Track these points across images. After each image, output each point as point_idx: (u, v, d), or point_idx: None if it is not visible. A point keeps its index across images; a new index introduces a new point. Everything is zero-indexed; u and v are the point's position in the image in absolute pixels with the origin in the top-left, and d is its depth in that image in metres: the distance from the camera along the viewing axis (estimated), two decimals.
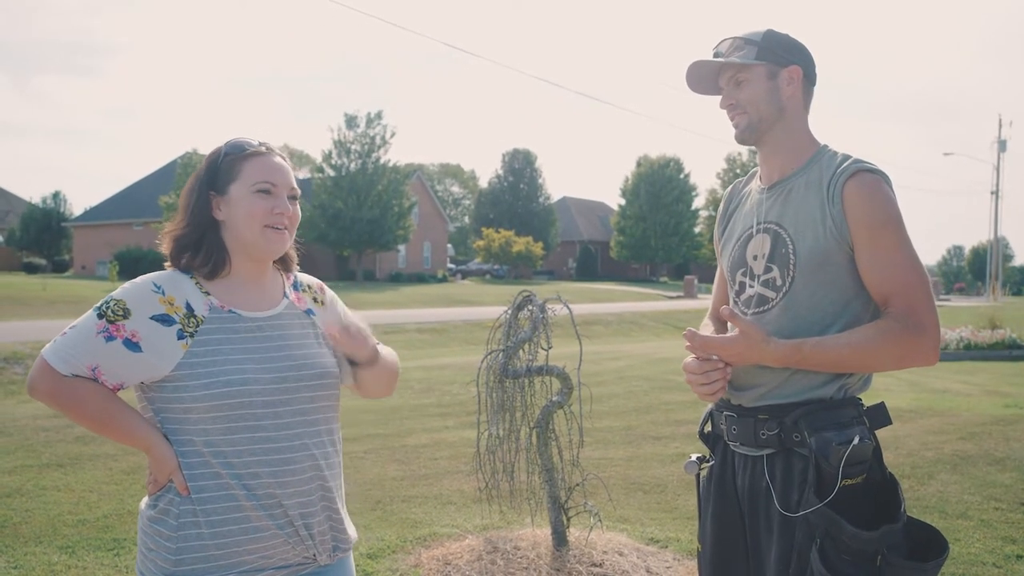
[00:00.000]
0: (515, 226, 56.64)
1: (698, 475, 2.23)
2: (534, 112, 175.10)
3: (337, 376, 1.96)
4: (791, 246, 2.00)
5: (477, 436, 4.22)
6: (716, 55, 2.12)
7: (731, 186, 2.35)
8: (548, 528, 4.21)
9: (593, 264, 62.52)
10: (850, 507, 1.84)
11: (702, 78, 2.15)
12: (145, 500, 1.87)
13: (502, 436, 4.16)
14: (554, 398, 4.11)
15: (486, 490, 4.23)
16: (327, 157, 44.31)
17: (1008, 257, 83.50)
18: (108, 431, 1.82)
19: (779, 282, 2.02)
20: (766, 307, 2.05)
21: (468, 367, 12.47)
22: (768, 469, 2.00)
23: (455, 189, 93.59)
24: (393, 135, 44.79)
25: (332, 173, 43.84)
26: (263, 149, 1.91)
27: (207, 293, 1.86)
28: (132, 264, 38.73)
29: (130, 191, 50.73)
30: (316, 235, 42.82)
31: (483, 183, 72.53)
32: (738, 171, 63.70)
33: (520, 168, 61.60)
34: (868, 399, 2.06)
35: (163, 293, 1.81)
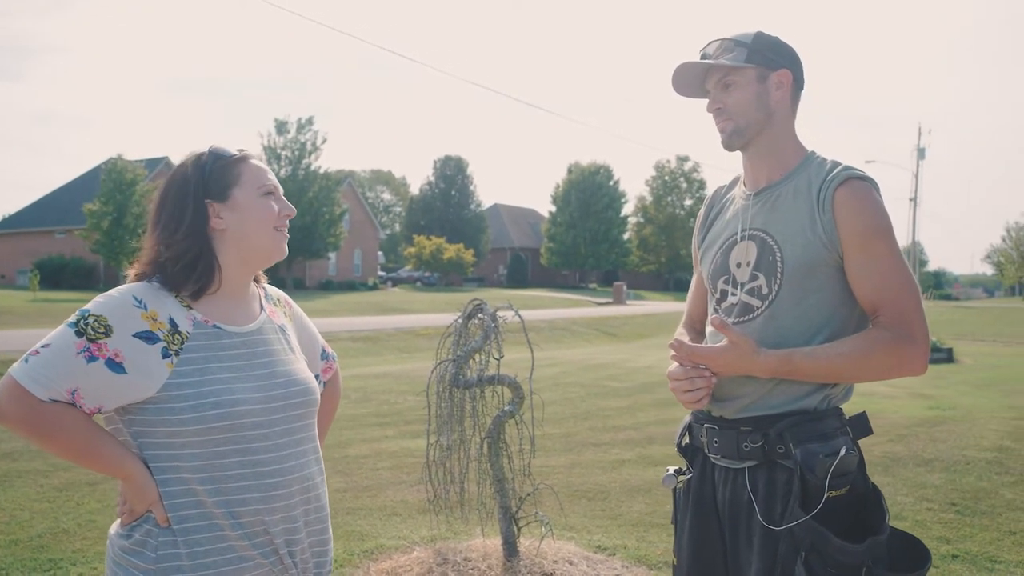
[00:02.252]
0: (446, 233, 56.48)
1: (675, 488, 2.17)
2: (466, 118, 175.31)
3: (318, 392, 1.89)
4: (778, 254, 1.97)
5: (426, 446, 4.18)
6: (703, 56, 2.07)
7: (713, 191, 2.30)
8: (499, 538, 4.20)
9: (524, 271, 62.70)
10: (835, 519, 1.83)
11: (688, 80, 2.09)
12: (115, 527, 1.74)
13: (452, 446, 4.13)
14: (506, 408, 4.09)
15: (435, 501, 4.20)
16: None
17: (923, 262, 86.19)
18: (85, 460, 1.67)
19: (765, 290, 1.99)
20: (751, 316, 2.01)
21: (405, 376, 12.38)
22: (751, 482, 1.96)
23: (386, 196, 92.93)
24: (324, 141, 44.36)
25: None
26: (248, 153, 1.83)
27: (189, 307, 1.73)
28: (54, 273, 37.59)
29: (51, 198, 49.00)
30: None
31: (414, 190, 72.10)
32: (666, 178, 64.79)
33: (452, 175, 61.45)
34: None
35: (145, 308, 1.66)
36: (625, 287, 45.17)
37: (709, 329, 2.13)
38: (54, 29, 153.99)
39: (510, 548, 4.11)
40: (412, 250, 52.64)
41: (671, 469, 2.16)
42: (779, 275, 1.96)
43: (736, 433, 1.99)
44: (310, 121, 44.17)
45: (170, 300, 1.71)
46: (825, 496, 1.82)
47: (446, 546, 4.37)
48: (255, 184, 1.78)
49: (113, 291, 1.70)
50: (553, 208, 60.06)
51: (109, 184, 34.20)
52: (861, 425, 1.99)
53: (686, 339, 2.19)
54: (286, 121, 43.78)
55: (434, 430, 4.13)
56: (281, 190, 1.85)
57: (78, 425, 1.62)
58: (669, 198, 65.15)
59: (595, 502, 5.59)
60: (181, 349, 1.67)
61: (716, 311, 2.12)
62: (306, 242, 42.33)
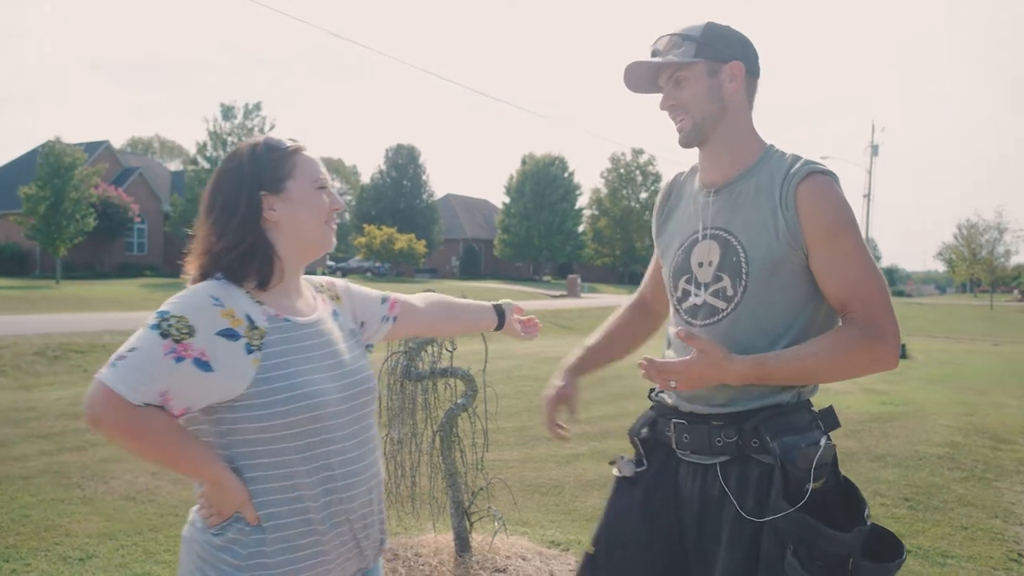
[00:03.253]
0: (397, 223, 56.05)
1: (619, 478, 2.14)
2: (418, 107, 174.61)
3: (376, 381, 1.93)
4: (743, 254, 1.93)
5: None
6: (654, 53, 2.02)
7: (673, 176, 2.25)
8: (450, 534, 4.11)
9: (477, 262, 62.58)
10: (818, 511, 1.80)
11: (641, 78, 2.05)
12: (196, 524, 1.73)
13: (403, 440, 4.02)
14: (458, 401, 3.99)
15: (385, 495, 4.08)
16: (202, 149, 42.72)
17: (876, 258, 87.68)
18: (177, 463, 1.68)
19: (730, 292, 1.95)
20: (716, 318, 1.97)
21: None
22: (723, 476, 1.93)
23: (336, 184, 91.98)
24: (272, 128, 43.62)
25: (207, 166, 42.34)
26: (301, 144, 1.82)
27: (260, 302, 1.72)
28: None
29: None
30: (190, 230, 41.32)
31: (365, 179, 71.77)
32: (622, 171, 65.02)
33: (404, 164, 61.02)
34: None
35: (223, 305, 1.65)
36: (579, 280, 45.24)
37: (672, 330, 2.12)
38: None
39: (462, 543, 4.02)
40: (362, 240, 52.19)
41: (626, 457, 2.13)
42: (744, 276, 1.93)
43: (708, 428, 1.96)
44: (257, 107, 43.43)
45: (241, 296, 1.70)
46: (809, 487, 1.80)
47: (396, 542, 4.26)
48: (310, 177, 1.79)
49: (187, 291, 1.68)
50: (507, 199, 59.92)
51: (46, 168, 33.01)
52: (830, 418, 1.98)
53: (627, 323, 2.33)
54: (232, 106, 43.01)
55: (385, 423, 4.02)
56: (330, 183, 1.85)
57: (169, 428, 1.60)
58: (624, 191, 65.35)
59: (549, 497, 5.52)
60: (262, 344, 1.67)
61: (677, 310, 2.09)
62: None
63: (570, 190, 59.15)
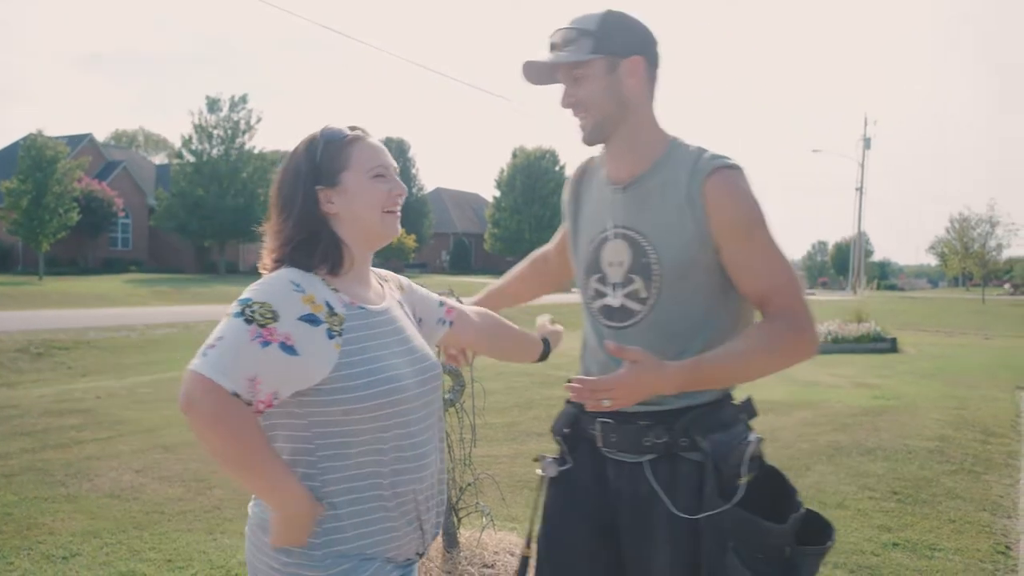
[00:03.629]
0: None
1: (545, 477, 2.10)
2: (408, 100, 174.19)
3: (440, 367, 1.93)
4: (653, 255, 1.91)
5: None
6: (552, 46, 1.95)
7: (585, 162, 2.20)
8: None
9: (467, 257, 62.51)
10: (752, 504, 1.82)
11: (540, 71, 1.98)
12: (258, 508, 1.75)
13: None
14: (446, 396, 3.96)
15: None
16: (187, 142, 42.47)
17: (868, 252, 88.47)
18: (255, 466, 1.60)
19: (643, 294, 1.93)
20: (632, 320, 1.95)
21: None
22: (652, 475, 1.91)
23: None
24: (259, 120, 43.40)
25: (192, 159, 42.10)
26: (360, 132, 1.82)
27: (336, 290, 1.74)
28: None
29: None
30: (175, 224, 41.11)
31: None
32: None
33: (393, 157, 60.63)
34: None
35: (304, 291, 1.66)
36: None
37: (587, 331, 2.10)
38: None
39: (450, 539, 4.00)
40: None
41: (549, 457, 2.10)
42: (656, 278, 1.91)
43: (636, 428, 1.93)
44: (244, 99, 43.18)
45: (319, 283, 1.72)
46: (742, 483, 1.83)
47: None
48: (364, 167, 1.78)
49: (267, 277, 1.70)
50: (497, 193, 59.73)
51: (28, 161, 32.67)
52: (751, 409, 2.01)
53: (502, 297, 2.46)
54: (218, 99, 42.74)
55: None
56: (394, 168, 1.84)
57: (257, 427, 1.59)
58: None
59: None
60: (343, 330, 1.69)
61: (588, 307, 2.07)
62: (240, 225, 41.34)
63: (561, 184, 57.68)
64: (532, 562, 2.11)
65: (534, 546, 2.10)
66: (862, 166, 54.61)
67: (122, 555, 4.16)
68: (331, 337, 1.66)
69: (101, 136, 60.50)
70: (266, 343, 1.57)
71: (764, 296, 1.88)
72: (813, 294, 51.79)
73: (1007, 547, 4.44)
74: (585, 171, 2.18)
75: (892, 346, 16.81)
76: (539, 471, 2.10)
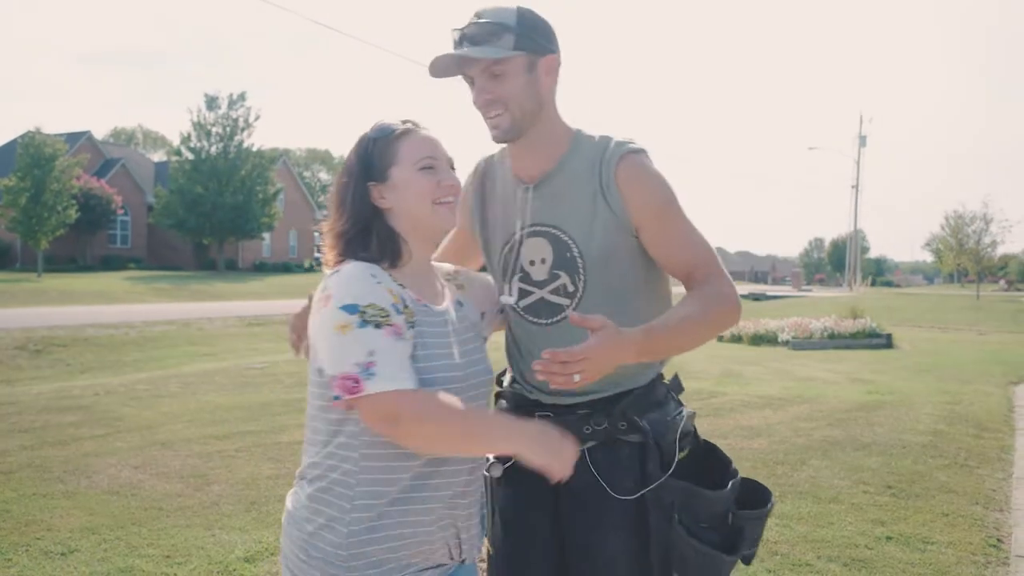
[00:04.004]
0: None
1: (489, 477, 2.08)
2: (404, 98, 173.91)
3: (494, 374, 1.94)
4: (575, 249, 1.92)
5: None
6: (463, 37, 1.87)
7: (483, 161, 2.16)
8: None
9: None
10: (691, 477, 1.90)
11: (447, 64, 1.89)
12: (301, 500, 1.76)
13: None
14: None
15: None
16: (185, 139, 42.60)
17: (864, 249, 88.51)
18: (484, 431, 1.65)
19: (571, 288, 1.95)
20: (561, 315, 1.96)
21: None
22: (592, 462, 1.94)
23: (323, 176, 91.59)
24: (257, 118, 43.60)
25: (191, 156, 42.15)
26: (411, 126, 1.82)
27: (403, 286, 1.76)
28: None
29: None
30: (174, 221, 41.15)
31: None
32: None
33: None
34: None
35: (382, 282, 1.69)
36: None
37: (513, 332, 2.08)
38: None
39: None
40: None
41: (491, 457, 2.05)
42: (581, 271, 1.93)
43: (576, 417, 1.95)
44: (242, 97, 43.29)
45: (387, 277, 1.74)
46: (678, 456, 1.90)
47: None
48: (412, 160, 1.78)
49: (348, 280, 1.68)
50: None
51: (26, 159, 32.76)
52: (679, 386, 2.07)
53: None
54: (216, 96, 42.79)
55: None
56: (447, 160, 1.83)
57: (449, 397, 1.64)
58: None
59: None
60: (414, 323, 1.71)
61: (515, 310, 2.04)
62: (239, 221, 41.50)
63: None
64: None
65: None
66: (858, 163, 54.79)
67: (120, 551, 4.17)
68: (410, 327, 1.69)
69: (100, 133, 60.69)
70: (399, 336, 1.64)
71: (688, 269, 1.92)
72: (810, 291, 51.90)
73: (999, 540, 4.47)
74: (485, 172, 2.14)
75: (888, 342, 16.91)
76: (484, 472, 2.04)
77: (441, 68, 1.89)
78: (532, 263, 1.98)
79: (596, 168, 1.90)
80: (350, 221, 1.78)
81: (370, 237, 1.77)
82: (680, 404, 2.03)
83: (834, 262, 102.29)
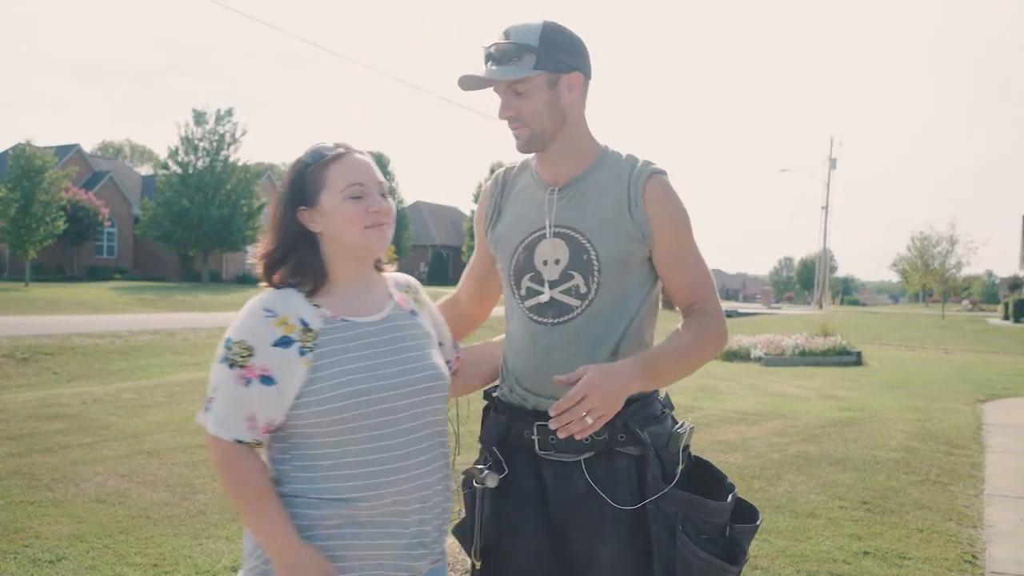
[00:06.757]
0: None
1: (482, 487, 2.08)
2: (388, 114, 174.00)
3: (447, 378, 1.95)
4: (593, 252, 1.99)
5: None
6: (488, 58, 1.99)
7: (503, 171, 2.24)
8: None
9: (445, 269, 62.49)
10: (691, 489, 1.94)
11: (473, 81, 2.00)
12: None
13: None
14: None
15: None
16: (173, 154, 42.51)
17: (833, 268, 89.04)
18: (254, 512, 1.75)
19: (583, 289, 1.99)
20: (568, 316, 2.01)
21: None
22: (589, 472, 1.97)
23: None
24: (244, 133, 43.52)
25: (178, 170, 42.10)
26: (342, 151, 1.86)
27: (317, 305, 1.82)
28: None
29: None
30: (160, 233, 41.08)
31: None
32: None
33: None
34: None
35: (276, 315, 1.77)
36: None
37: (515, 328, 2.11)
38: None
39: None
40: None
41: (486, 468, 2.07)
42: (596, 273, 1.99)
43: None
44: (229, 112, 43.29)
45: (299, 301, 1.82)
46: (680, 468, 1.94)
47: None
48: (341, 187, 1.83)
49: (244, 310, 1.80)
50: (475, 206, 59.77)
51: (16, 170, 32.76)
52: (670, 403, 2.12)
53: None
54: (204, 112, 42.80)
55: None
56: (376, 184, 1.87)
57: (262, 473, 1.77)
58: None
59: None
60: (315, 345, 1.77)
61: (520, 307, 2.08)
62: (223, 235, 41.44)
63: None
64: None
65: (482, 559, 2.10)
66: (828, 185, 55.33)
67: (108, 559, 4.19)
68: (302, 354, 1.75)
69: (88, 147, 60.43)
70: (248, 381, 1.72)
71: (690, 294, 2.04)
72: (780, 308, 52.14)
73: (974, 556, 4.54)
74: (505, 180, 2.22)
75: (857, 359, 17.11)
76: (476, 483, 2.07)
77: (469, 84, 2.00)
78: (545, 263, 2.03)
79: (624, 180, 2.00)
80: (275, 244, 1.85)
81: (294, 262, 1.84)
82: (675, 420, 2.07)
83: (803, 280, 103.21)
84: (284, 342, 1.74)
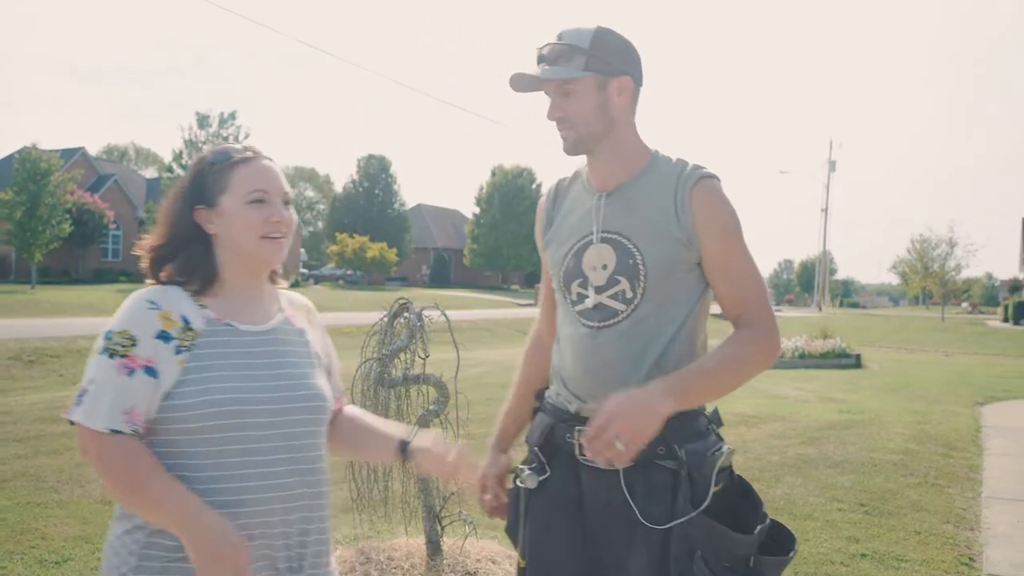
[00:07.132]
0: (369, 232, 56.02)
1: (520, 488, 2.10)
2: (391, 117, 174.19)
3: (329, 401, 1.86)
4: (639, 257, 1.97)
5: None
6: (540, 59, 1.99)
7: (555, 184, 2.24)
8: (422, 538, 4.18)
9: (446, 271, 62.61)
10: (721, 514, 1.88)
11: (528, 80, 2.01)
12: (115, 530, 1.74)
13: None
14: (431, 407, 4.08)
15: (358, 500, 4.17)
16: (177, 157, 42.69)
17: (832, 271, 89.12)
18: (150, 498, 1.61)
19: (629, 294, 1.98)
20: (615, 320, 1.99)
21: None
22: (626, 483, 1.93)
23: (309, 193, 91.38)
24: (247, 136, 43.64)
25: (183, 173, 42.13)
26: (250, 154, 1.80)
27: (203, 306, 1.74)
28: None
29: None
30: None
31: (338, 188, 71.64)
32: None
33: (375, 174, 61.07)
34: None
35: (159, 308, 1.68)
36: None
37: (566, 332, 2.09)
38: None
39: (433, 547, 4.10)
40: (335, 248, 52.15)
41: (527, 468, 2.09)
42: (642, 278, 1.97)
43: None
44: (233, 116, 43.50)
45: (184, 299, 1.73)
46: (713, 491, 1.88)
47: (369, 545, 4.33)
48: (243, 191, 1.75)
49: (126, 301, 1.72)
50: (476, 209, 60.19)
51: (23, 173, 32.87)
52: (719, 420, 2.05)
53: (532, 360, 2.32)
54: (208, 115, 42.96)
55: None
56: (280, 193, 1.80)
57: (148, 455, 1.63)
58: None
59: None
60: (193, 345, 1.68)
61: (570, 312, 2.08)
62: None
63: (537, 201, 59.13)
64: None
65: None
66: (827, 187, 55.37)
67: None
68: (178, 352, 1.65)
69: (93, 150, 60.65)
70: (132, 371, 1.62)
71: (740, 304, 2.00)
72: (780, 311, 52.08)
73: (971, 559, 4.55)
74: (557, 193, 2.22)
75: (857, 362, 17.01)
76: (518, 482, 2.09)
77: (520, 84, 2.01)
78: (593, 268, 2.02)
79: (672, 184, 1.97)
80: (164, 239, 1.77)
81: (183, 260, 1.75)
82: (720, 439, 1.99)
83: (803, 283, 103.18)
84: (164, 336, 1.65)
